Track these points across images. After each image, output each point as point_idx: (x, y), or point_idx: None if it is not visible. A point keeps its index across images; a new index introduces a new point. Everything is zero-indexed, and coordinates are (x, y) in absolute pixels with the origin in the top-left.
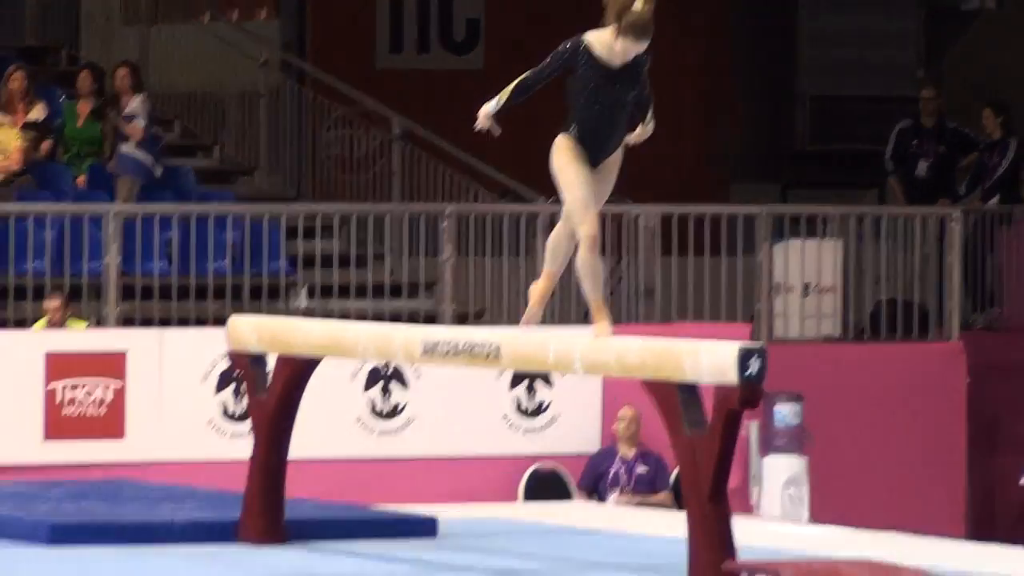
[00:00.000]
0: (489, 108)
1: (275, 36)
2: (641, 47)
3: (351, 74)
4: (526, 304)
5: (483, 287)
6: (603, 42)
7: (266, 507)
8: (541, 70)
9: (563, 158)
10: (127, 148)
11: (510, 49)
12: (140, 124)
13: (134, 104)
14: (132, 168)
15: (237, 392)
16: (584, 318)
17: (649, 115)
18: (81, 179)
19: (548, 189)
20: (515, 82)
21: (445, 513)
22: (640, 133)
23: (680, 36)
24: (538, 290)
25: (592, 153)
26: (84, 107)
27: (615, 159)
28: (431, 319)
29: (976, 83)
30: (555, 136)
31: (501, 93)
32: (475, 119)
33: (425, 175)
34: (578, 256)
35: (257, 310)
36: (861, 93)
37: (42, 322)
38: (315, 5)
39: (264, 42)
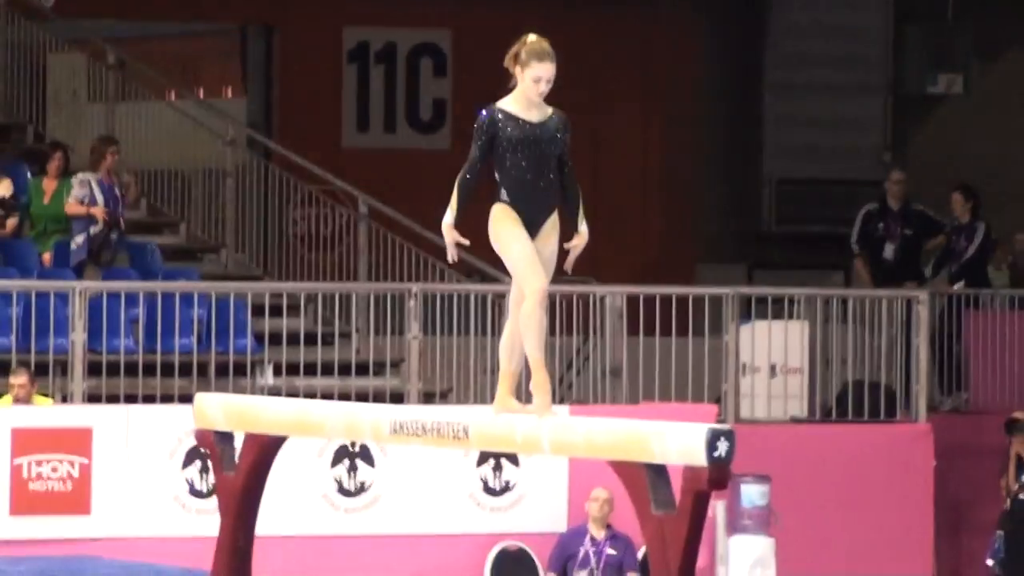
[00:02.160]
0: (449, 221)
1: (242, 114)
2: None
3: (318, 153)
4: (493, 383)
5: (450, 366)
6: (515, 99)
7: None
8: (472, 156)
9: (499, 225)
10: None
11: None
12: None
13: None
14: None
15: (203, 469)
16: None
17: (580, 213)
18: (47, 256)
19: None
20: (456, 184)
21: None
22: (577, 242)
23: (647, 118)
24: (504, 399)
25: (527, 216)
26: (50, 184)
27: (551, 227)
28: (398, 398)
29: (941, 167)
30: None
31: (451, 202)
32: (442, 199)
33: (391, 254)
34: (523, 310)
35: (223, 387)
36: (827, 176)
37: (8, 398)
38: (282, 83)
39: (231, 120)
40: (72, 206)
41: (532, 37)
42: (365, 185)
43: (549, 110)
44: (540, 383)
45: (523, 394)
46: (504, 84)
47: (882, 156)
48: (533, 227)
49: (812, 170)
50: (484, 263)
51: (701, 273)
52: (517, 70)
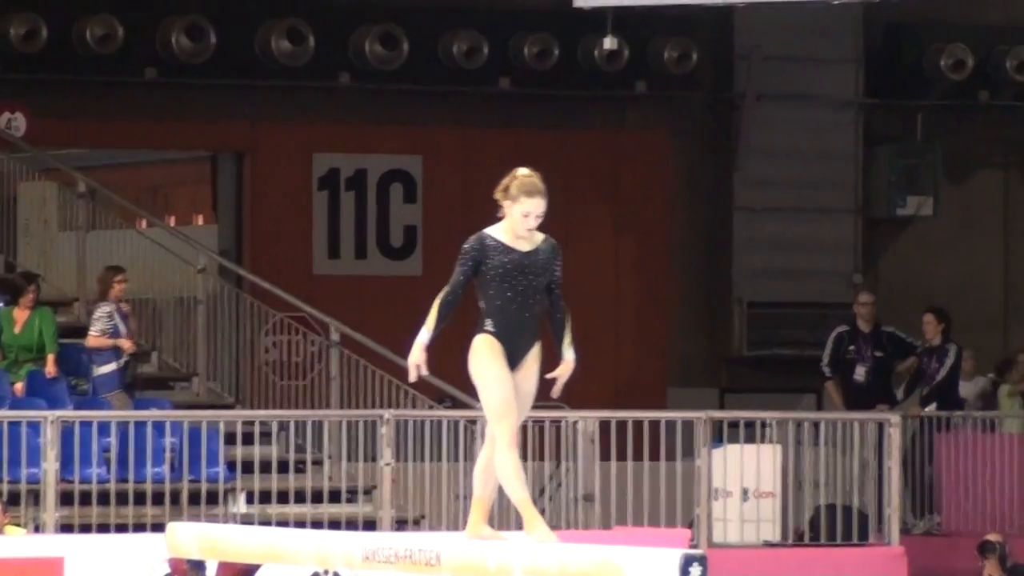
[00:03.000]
0: (423, 340)
1: (213, 241)
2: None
3: (289, 280)
4: (466, 509)
5: (422, 492)
6: (504, 229)
7: None
8: (455, 278)
9: (481, 358)
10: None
11: (448, 255)
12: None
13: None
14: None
15: None
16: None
17: (567, 340)
18: (19, 386)
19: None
20: (436, 304)
21: None
22: (563, 369)
23: (617, 243)
24: (480, 533)
25: (510, 347)
26: (21, 314)
27: (534, 357)
28: (370, 524)
29: (911, 288)
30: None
31: (428, 321)
32: (414, 325)
33: (363, 380)
34: (496, 456)
35: (196, 516)
36: (798, 298)
37: None
38: (253, 210)
39: (202, 248)
40: (96, 339)
41: (523, 171)
42: (336, 312)
43: (540, 237)
44: (532, 520)
45: (496, 521)
46: (474, 208)
47: (852, 278)
48: (515, 359)
49: (782, 293)
50: (455, 388)
51: (672, 397)
52: (507, 203)
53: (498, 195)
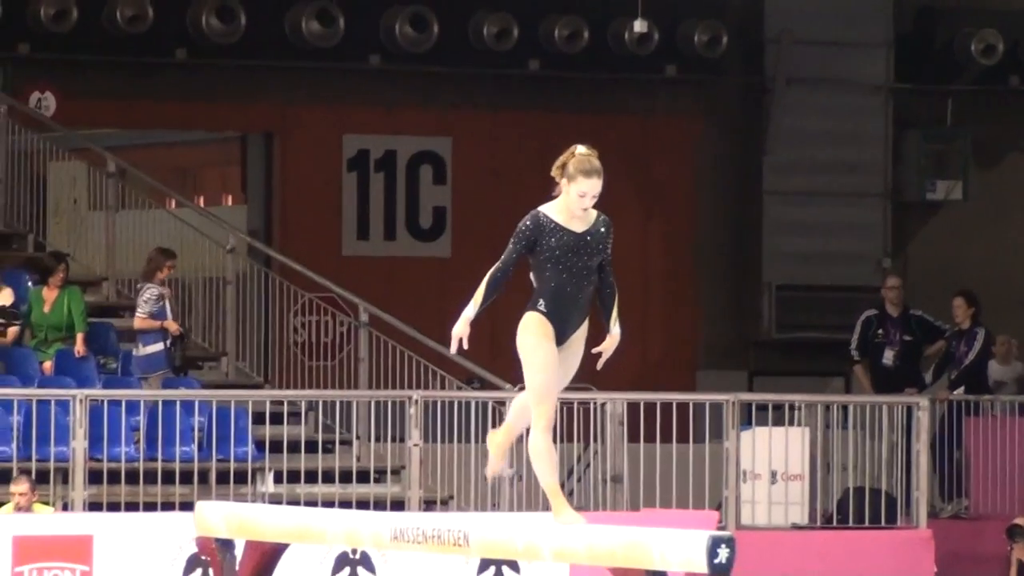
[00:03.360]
0: (470, 314)
1: (242, 222)
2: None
3: (318, 260)
4: (494, 490)
5: (450, 473)
6: (559, 207)
7: None
8: (508, 256)
9: (531, 338)
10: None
11: (477, 237)
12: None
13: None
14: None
15: None
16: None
17: (614, 315)
18: (48, 364)
19: (514, 376)
20: (486, 279)
21: None
22: (608, 344)
23: (646, 226)
24: (496, 443)
25: (560, 327)
26: (51, 293)
27: (581, 335)
28: (399, 505)
29: (940, 272)
30: (519, 319)
31: (476, 295)
32: (443, 307)
33: (392, 361)
34: (531, 439)
35: (224, 495)
36: (827, 282)
37: (9, 506)
38: (282, 191)
39: (231, 228)
40: (143, 320)
41: (582, 149)
42: (365, 293)
43: (593, 215)
44: (558, 507)
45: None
46: (504, 190)
47: (881, 262)
48: (563, 338)
49: (811, 276)
50: (483, 370)
51: (701, 380)
52: (564, 182)
53: (555, 172)
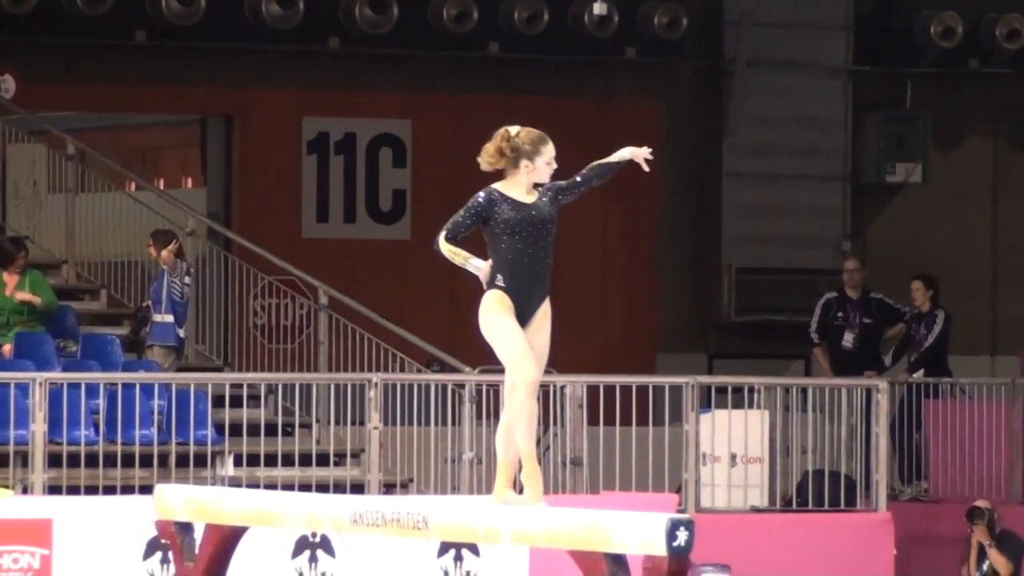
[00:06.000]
0: (475, 262)
1: (201, 204)
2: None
3: (278, 243)
4: (454, 473)
5: (410, 456)
6: (512, 184)
7: None
8: (455, 221)
9: (492, 315)
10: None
11: (436, 219)
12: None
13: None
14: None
15: (164, 560)
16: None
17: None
18: (7, 347)
19: (474, 359)
20: (441, 239)
21: None
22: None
23: (606, 207)
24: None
25: (520, 301)
26: (11, 278)
27: (544, 313)
28: (358, 488)
29: (900, 255)
30: (479, 303)
31: (455, 254)
32: (402, 289)
33: (352, 344)
34: (514, 400)
35: (184, 478)
36: (786, 265)
37: None
38: (241, 174)
39: (190, 211)
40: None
41: (515, 128)
42: (325, 276)
43: (535, 190)
44: (530, 473)
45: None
46: (464, 173)
47: (841, 245)
48: (525, 316)
49: (771, 259)
50: (443, 353)
51: (661, 362)
52: (524, 163)
53: (504, 162)
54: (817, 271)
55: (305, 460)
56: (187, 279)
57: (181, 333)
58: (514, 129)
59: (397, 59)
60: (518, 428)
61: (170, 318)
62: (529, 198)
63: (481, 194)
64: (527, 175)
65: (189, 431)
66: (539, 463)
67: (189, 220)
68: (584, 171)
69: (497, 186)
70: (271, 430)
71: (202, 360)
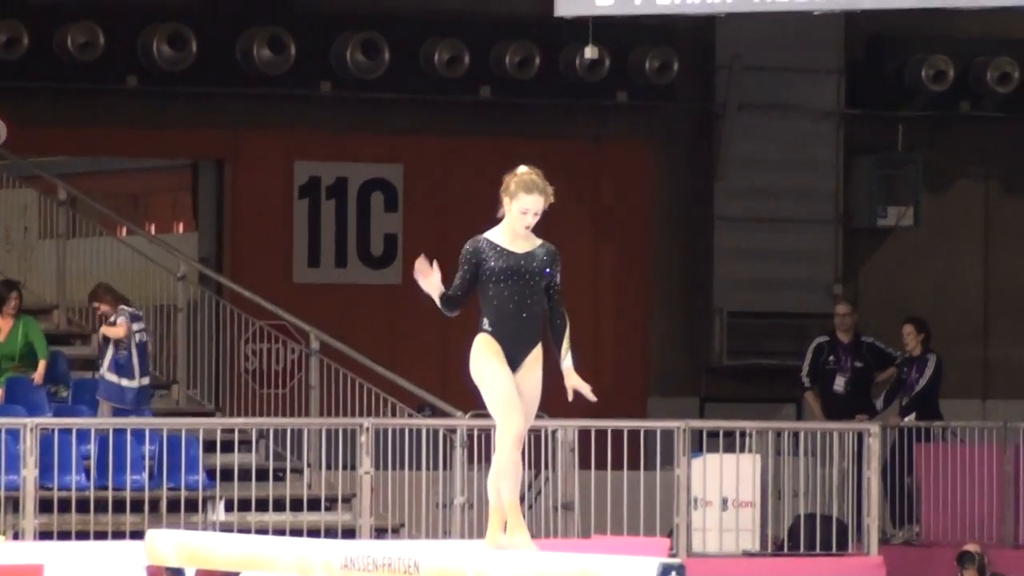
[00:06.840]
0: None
1: (193, 249)
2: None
3: (269, 288)
4: (445, 518)
5: (401, 501)
6: (502, 230)
7: None
8: (455, 286)
9: (481, 359)
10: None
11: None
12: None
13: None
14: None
15: None
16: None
17: (565, 346)
18: None
19: (465, 403)
20: (440, 299)
21: None
22: (573, 382)
23: (597, 252)
24: (494, 534)
25: (507, 345)
26: (5, 323)
27: (535, 360)
28: (350, 533)
29: (892, 299)
30: (469, 347)
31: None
32: (393, 334)
33: (343, 388)
34: (499, 453)
35: (175, 523)
36: (778, 309)
37: None
38: (233, 219)
39: (182, 255)
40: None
41: (523, 169)
42: (316, 320)
43: (537, 241)
44: (516, 525)
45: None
46: (455, 216)
47: (832, 289)
48: (515, 360)
49: (763, 303)
50: (435, 397)
51: (652, 407)
52: (506, 200)
53: (502, 192)
54: (808, 315)
55: (296, 505)
56: (135, 325)
57: (134, 384)
58: (524, 167)
59: (388, 103)
60: (504, 483)
61: (113, 377)
62: (518, 246)
63: (468, 244)
64: (508, 216)
65: (180, 476)
66: (531, 507)
67: (180, 265)
68: (558, 308)
69: (486, 234)
70: (262, 475)
71: (193, 405)
